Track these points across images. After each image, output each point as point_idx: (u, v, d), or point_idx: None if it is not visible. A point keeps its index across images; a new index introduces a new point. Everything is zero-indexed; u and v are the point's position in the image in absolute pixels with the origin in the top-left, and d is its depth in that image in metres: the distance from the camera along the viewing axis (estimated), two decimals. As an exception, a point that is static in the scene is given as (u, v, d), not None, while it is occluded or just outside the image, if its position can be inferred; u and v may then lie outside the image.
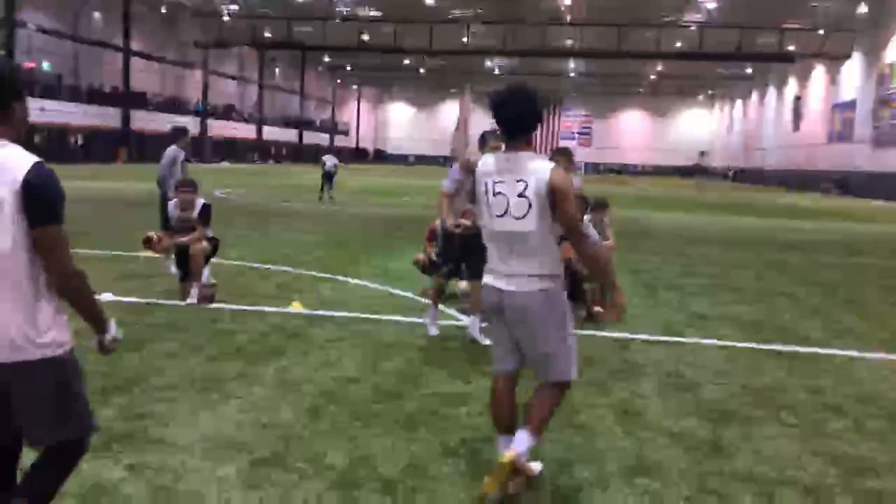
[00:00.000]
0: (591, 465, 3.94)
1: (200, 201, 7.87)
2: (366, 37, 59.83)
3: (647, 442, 4.31)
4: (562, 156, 7.61)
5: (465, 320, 6.86)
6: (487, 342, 6.61)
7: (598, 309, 7.24)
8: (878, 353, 6.66)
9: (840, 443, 4.42)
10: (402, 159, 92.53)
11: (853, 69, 51.58)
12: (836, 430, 4.62)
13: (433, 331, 6.64)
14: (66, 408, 2.50)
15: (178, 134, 9.80)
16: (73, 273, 2.42)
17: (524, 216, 3.35)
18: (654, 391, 5.28)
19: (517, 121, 3.42)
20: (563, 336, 3.52)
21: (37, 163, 2.33)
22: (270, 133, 73.71)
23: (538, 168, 3.34)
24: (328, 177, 23.89)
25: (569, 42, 57.66)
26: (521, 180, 3.33)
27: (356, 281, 9.14)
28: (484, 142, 6.44)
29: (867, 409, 5.04)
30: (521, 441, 3.45)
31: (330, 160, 24.24)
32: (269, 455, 3.89)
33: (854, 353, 6.60)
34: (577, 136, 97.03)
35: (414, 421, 4.47)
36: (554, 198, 3.29)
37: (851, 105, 51.23)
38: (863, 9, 45.59)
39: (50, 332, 2.42)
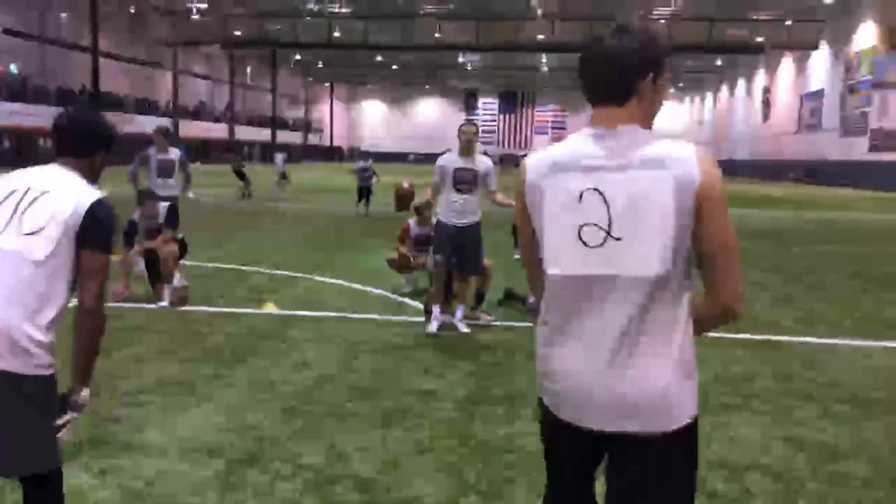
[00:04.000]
0: (565, 458, 3.97)
1: (165, 204, 7.80)
2: (337, 33, 59.59)
3: (620, 433, 4.35)
4: None
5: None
6: (466, 330, 6.67)
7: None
8: (844, 339, 6.78)
9: (808, 429, 4.51)
10: (376, 157, 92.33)
11: (821, 59, 52.28)
12: (804, 417, 4.71)
13: (431, 326, 6.63)
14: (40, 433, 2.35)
15: (157, 133, 9.76)
16: (96, 310, 2.40)
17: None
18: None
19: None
20: None
21: (103, 197, 2.48)
22: (243, 133, 73.16)
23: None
24: (282, 174, 25.78)
25: (541, 37, 57.81)
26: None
27: (330, 280, 9.12)
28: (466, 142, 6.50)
29: (834, 395, 5.14)
30: None
31: (280, 157, 25.82)
32: (244, 457, 3.88)
33: (822, 340, 6.72)
34: (551, 129, 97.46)
35: (390, 418, 4.48)
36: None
37: (819, 95, 51.95)
38: (829, -1, 46.24)
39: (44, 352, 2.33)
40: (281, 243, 12.58)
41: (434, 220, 7.02)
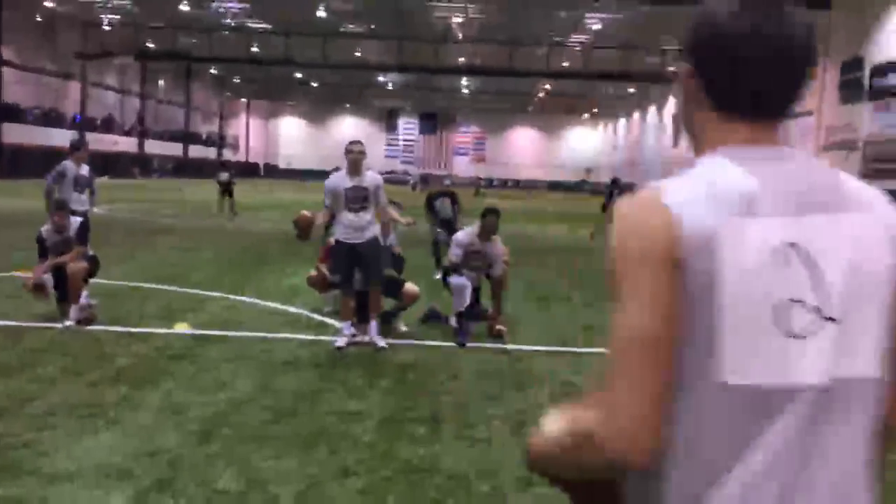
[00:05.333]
0: (487, 478, 3.98)
1: (77, 220, 7.51)
2: (256, 49, 58.82)
3: (542, 452, 4.38)
4: (493, 215, 7.61)
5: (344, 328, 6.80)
6: (383, 343, 6.64)
7: (499, 327, 7.35)
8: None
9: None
10: (296, 174, 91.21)
11: (726, 90, 54.80)
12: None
13: (340, 342, 6.62)
14: None
15: (72, 148, 9.48)
16: None
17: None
18: (548, 400, 5.39)
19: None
20: None
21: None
22: (153, 147, 71.10)
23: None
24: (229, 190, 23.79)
25: (461, 59, 58.62)
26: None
27: (248, 299, 8.91)
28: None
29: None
30: None
31: (224, 175, 24.10)
32: (156, 482, 3.73)
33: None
34: (471, 151, 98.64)
35: (310, 441, 4.38)
36: None
37: (725, 123, 54.40)
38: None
39: None
40: (195, 261, 12.23)
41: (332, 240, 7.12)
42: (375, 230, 6.87)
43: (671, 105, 68.13)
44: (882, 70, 34.35)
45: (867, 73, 35.85)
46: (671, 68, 55.31)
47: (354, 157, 6.72)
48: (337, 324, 7.37)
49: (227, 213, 22.81)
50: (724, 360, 1.09)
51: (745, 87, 1.16)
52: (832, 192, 1.15)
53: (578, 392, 5.63)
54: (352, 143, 6.93)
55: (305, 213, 7.19)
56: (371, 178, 6.83)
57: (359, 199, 6.67)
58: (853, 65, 37.14)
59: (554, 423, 1.23)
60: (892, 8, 34.03)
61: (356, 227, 6.67)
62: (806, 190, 1.14)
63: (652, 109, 75.00)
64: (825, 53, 39.75)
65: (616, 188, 20.61)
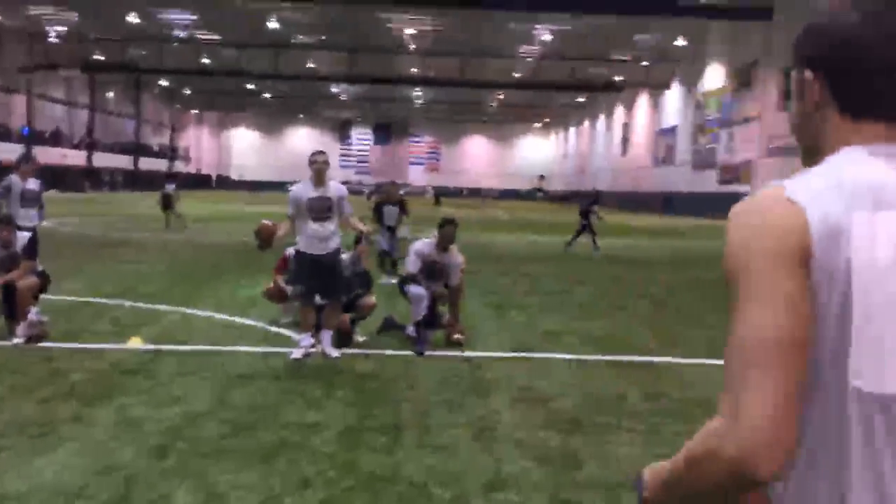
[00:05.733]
0: (449, 485, 3.98)
1: (26, 235, 7.34)
2: (206, 60, 58.14)
3: (503, 457, 4.42)
4: (451, 225, 7.64)
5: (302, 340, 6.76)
6: (336, 354, 6.62)
7: (457, 336, 7.37)
8: (704, 359, 7.19)
9: (679, 445, 4.69)
10: (249, 186, 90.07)
11: (674, 98, 55.99)
12: (673, 433, 4.94)
13: (296, 353, 6.56)
14: None
15: (18, 162, 9.31)
16: None
17: None
18: (508, 406, 5.43)
19: None
20: None
21: None
22: (103, 159, 69.64)
23: None
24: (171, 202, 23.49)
25: (414, 70, 58.74)
26: None
27: (203, 312, 8.78)
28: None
29: (701, 412, 5.42)
30: None
31: (169, 186, 23.82)
32: (112, 500, 3.65)
33: (684, 360, 7.10)
34: (425, 161, 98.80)
35: (269, 453, 4.34)
36: None
37: (673, 131, 55.57)
38: (681, 42, 49.62)
39: None
40: (147, 275, 12.01)
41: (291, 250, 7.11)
42: (338, 241, 6.85)
43: (620, 114, 69.24)
44: (822, 78, 35.37)
45: (808, 80, 36.82)
46: (618, 78, 56.35)
47: (318, 167, 6.72)
48: (295, 335, 7.32)
49: (172, 226, 22.49)
50: (857, 365, 1.03)
51: (880, 91, 1.12)
52: None
53: (536, 396, 5.68)
54: (315, 153, 6.92)
55: (267, 222, 7.13)
56: (335, 188, 6.83)
57: (323, 209, 6.66)
58: (795, 73, 38.10)
59: (662, 465, 1.19)
60: (831, 18, 34.93)
61: (320, 237, 6.65)
62: None
63: (601, 118, 76.07)
64: (767, 60, 40.87)
65: (596, 202, 20.01)
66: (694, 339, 8.14)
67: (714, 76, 48.19)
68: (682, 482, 1.12)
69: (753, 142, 42.11)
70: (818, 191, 1.06)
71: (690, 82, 52.17)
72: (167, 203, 23.20)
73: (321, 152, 6.98)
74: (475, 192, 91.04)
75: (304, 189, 6.73)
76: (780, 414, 1.00)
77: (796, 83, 1.19)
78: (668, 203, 52.79)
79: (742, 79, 43.88)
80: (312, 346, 6.73)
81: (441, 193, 62.85)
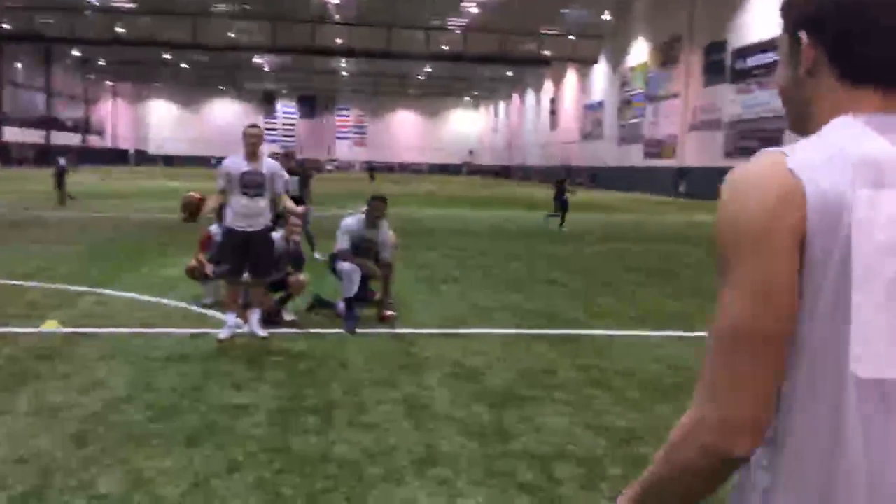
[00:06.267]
0: (383, 462, 3.95)
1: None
2: (120, 29, 55.80)
3: (435, 432, 4.41)
4: (380, 201, 7.58)
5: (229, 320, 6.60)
6: (264, 334, 6.49)
7: (389, 312, 7.31)
8: (632, 330, 7.34)
9: (607, 415, 4.81)
10: (168, 160, 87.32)
11: (600, 73, 56.72)
12: (603, 404, 5.02)
13: (223, 334, 6.40)
14: None
15: None
16: None
17: None
18: (440, 382, 5.41)
19: None
20: None
21: None
22: (13, 134, 66.38)
23: None
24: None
25: (339, 41, 57.73)
26: None
27: (121, 293, 8.47)
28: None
29: (628, 383, 5.54)
30: None
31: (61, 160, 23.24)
32: (31, 489, 3.49)
33: (613, 332, 7.23)
34: (353, 135, 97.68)
35: (195, 437, 4.21)
36: None
37: (600, 105, 56.35)
38: (607, 16, 50.21)
39: None
40: (62, 255, 11.51)
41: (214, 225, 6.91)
42: (268, 218, 6.69)
43: (549, 89, 69.79)
44: (742, 53, 36.45)
45: (729, 55, 37.93)
46: (546, 52, 56.73)
47: (250, 140, 6.52)
48: (220, 315, 7.13)
49: (56, 202, 21.94)
50: (856, 349, 0.99)
51: (881, 56, 1.06)
52: None
53: (467, 372, 5.68)
54: (249, 126, 6.73)
55: (194, 194, 6.90)
56: (269, 164, 6.66)
57: (255, 184, 6.47)
58: (716, 48, 39.20)
59: (637, 481, 1.15)
60: (752, -6, 35.92)
61: (250, 213, 6.47)
62: None
63: (531, 93, 76.55)
64: (690, 36, 41.76)
65: (567, 180, 20.19)
66: (622, 312, 8.29)
67: (639, 52, 49.00)
68: (661, 479, 1.09)
69: (677, 116, 43.12)
70: (818, 165, 1.00)
71: (617, 57, 52.93)
72: (60, 179, 22.45)
73: (255, 126, 6.78)
74: (404, 167, 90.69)
75: (236, 163, 6.53)
76: (754, 401, 1.01)
77: (788, 47, 1.14)
78: (595, 177, 53.71)
79: (666, 54, 44.76)
80: (239, 326, 6.57)
81: (372, 168, 62.41)
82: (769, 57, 33.57)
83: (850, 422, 1.00)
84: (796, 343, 1.01)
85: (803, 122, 1.13)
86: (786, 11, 1.14)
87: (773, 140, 30.54)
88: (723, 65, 38.26)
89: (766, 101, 33.92)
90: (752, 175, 1.03)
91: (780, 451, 1.04)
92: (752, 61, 35.40)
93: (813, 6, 1.09)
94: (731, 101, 37.26)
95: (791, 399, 1.03)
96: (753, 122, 34.99)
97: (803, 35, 1.10)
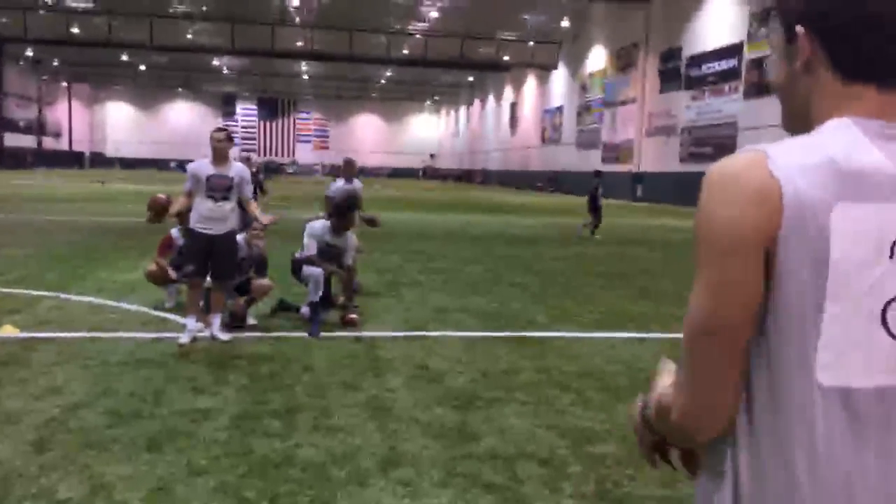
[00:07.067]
0: (346, 464, 3.97)
1: None
2: (76, 29, 54.72)
3: (399, 434, 4.44)
4: (353, 214, 7.67)
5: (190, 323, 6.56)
6: (227, 338, 6.46)
7: (352, 316, 7.32)
8: (592, 332, 7.46)
9: (568, 416, 4.89)
10: (125, 163, 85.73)
11: (560, 78, 57.28)
12: (563, 405, 5.10)
13: (183, 338, 6.34)
14: None
15: None
16: None
17: None
18: (403, 385, 5.45)
19: None
20: None
21: None
22: (-38, 135, 64.62)
23: None
24: None
25: (299, 44, 57.37)
26: None
27: (80, 297, 8.33)
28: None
29: (588, 384, 5.63)
30: None
31: None
32: (-15, 499, 3.43)
33: (573, 334, 7.34)
34: (314, 138, 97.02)
35: (156, 442, 4.19)
36: None
37: (559, 111, 56.91)
38: (566, 23, 50.73)
39: None
40: (16, 258, 11.26)
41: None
42: (235, 222, 6.68)
43: (509, 94, 70.24)
44: (696, 61, 37.14)
45: (684, 62, 38.60)
46: (506, 57, 57.12)
47: (217, 144, 6.52)
48: (180, 319, 7.06)
49: None
50: (824, 358, 1.00)
51: (880, 53, 1.04)
52: None
53: (431, 374, 5.72)
54: (217, 129, 6.75)
55: (161, 195, 6.85)
56: (238, 168, 6.65)
57: (222, 188, 6.46)
58: (671, 55, 39.86)
59: (664, 380, 1.22)
60: (707, 0, 36.67)
61: (216, 216, 6.46)
62: None
63: (491, 98, 76.93)
64: (646, 43, 42.38)
65: (600, 181, 19.31)
66: (582, 314, 8.41)
67: (598, 58, 49.59)
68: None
69: (634, 122, 43.73)
70: (800, 168, 0.99)
71: (576, 63, 53.49)
72: None
73: (222, 129, 6.79)
74: (363, 171, 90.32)
75: (203, 166, 6.53)
76: (714, 392, 1.06)
77: (783, 42, 1.12)
78: (555, 181, 54.12)
79: (623, 61, 45.39)
80: (200, 330, 6.52)
81: (334, 173, 62.02)
82: (722, 65, 34.29)
83: (819, 430, 1.01)
84: (761, 344, 1.03)
85: (800, 120, 1.12)
86: (782, 5, 1.12)
87: (727, 147, 31.14)
88: (678, 71, 38.94)
89: (719, 108, 34.64)
90: (731, 170, 1.03)
91: (746, 450, 1.06)
92: (705, 68, 36.10)
93: (806, 2, 1.08)
94: (686, 108, 37.94)
95: (755, 400, 1.05)
96: (706, 129, 35.67)
97: (798, 28, 1.08)
